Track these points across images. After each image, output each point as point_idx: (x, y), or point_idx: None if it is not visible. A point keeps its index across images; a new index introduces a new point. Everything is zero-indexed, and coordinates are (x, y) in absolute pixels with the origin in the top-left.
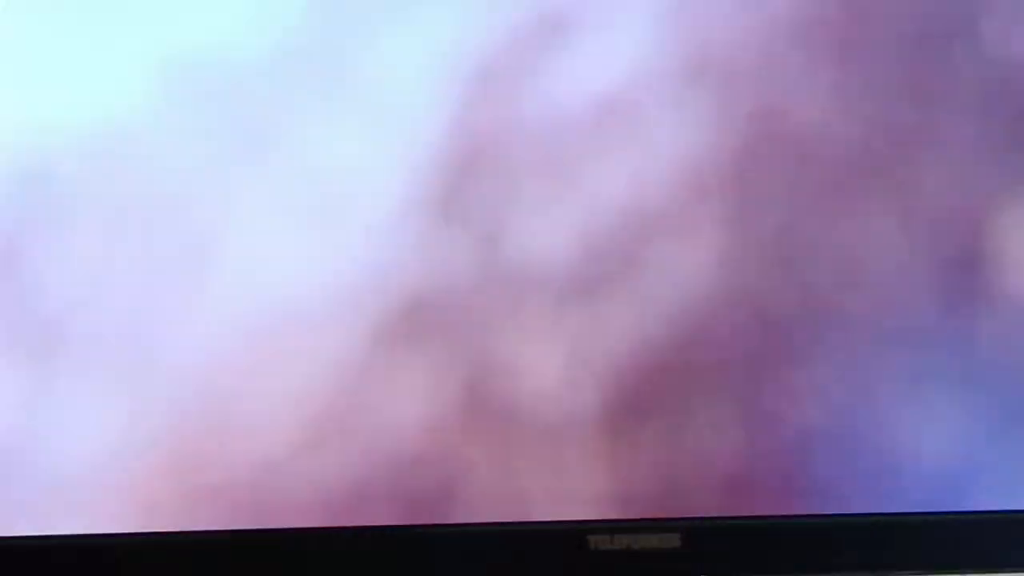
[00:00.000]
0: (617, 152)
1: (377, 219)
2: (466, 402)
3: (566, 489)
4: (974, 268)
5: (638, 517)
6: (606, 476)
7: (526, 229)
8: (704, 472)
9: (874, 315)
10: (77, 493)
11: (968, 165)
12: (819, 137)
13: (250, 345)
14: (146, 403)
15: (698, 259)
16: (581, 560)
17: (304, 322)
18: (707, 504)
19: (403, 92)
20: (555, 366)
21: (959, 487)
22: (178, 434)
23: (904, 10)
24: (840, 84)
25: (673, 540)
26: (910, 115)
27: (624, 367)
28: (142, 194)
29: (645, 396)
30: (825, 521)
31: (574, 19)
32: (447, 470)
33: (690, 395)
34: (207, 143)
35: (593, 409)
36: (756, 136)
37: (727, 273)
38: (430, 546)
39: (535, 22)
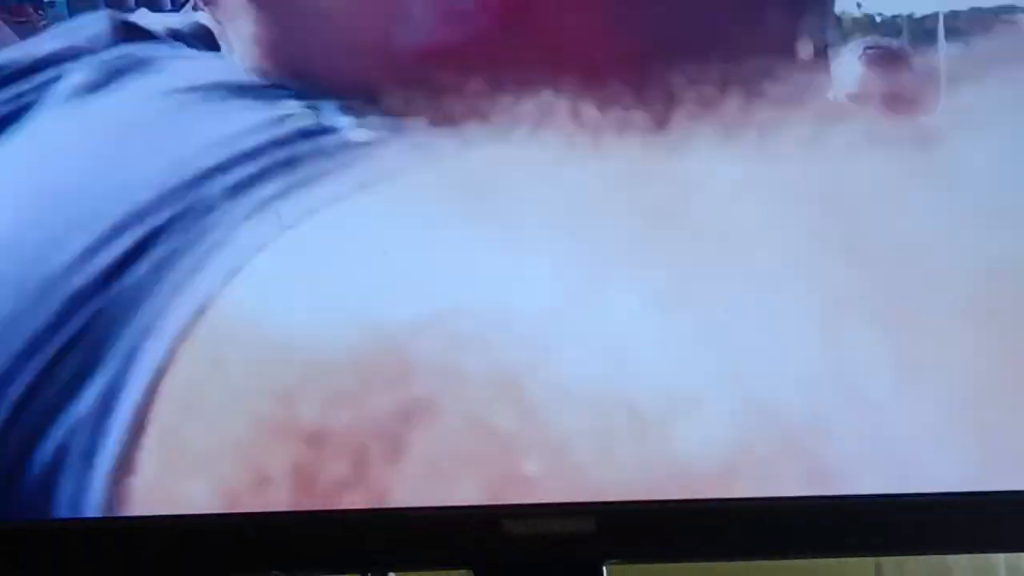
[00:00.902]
0: None
1: None
2: None
3: None
4: None
5: (552, 502)
6: None
7: None
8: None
9: None
10: None
11: None
12: None
13: None
14: None
15: None
16: (495, 543)
17: None
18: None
19: None
20: None
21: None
22: None
23: None
24: None
25: (588, 524)
26: None
27: None
28: None
29: None
30: (738, 505)
31: None
32: None
33: None
34: None
35: None
36: None
37: None
38: (349, 528)
39: None
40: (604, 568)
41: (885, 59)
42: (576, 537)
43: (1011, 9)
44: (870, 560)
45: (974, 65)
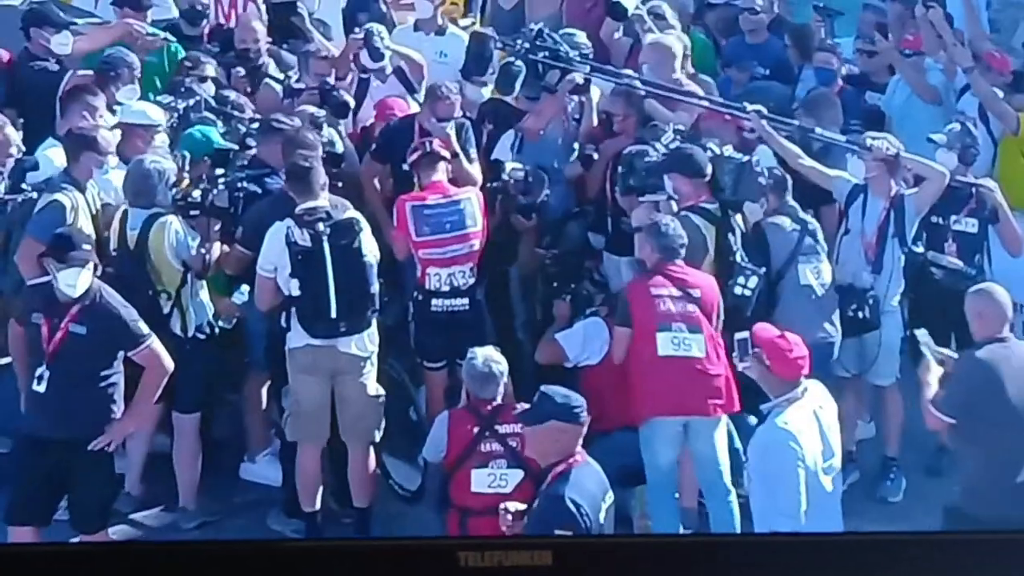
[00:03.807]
0: None
1: None
2: None
3: None
4: None
5: (510, 535)
6: None
7: None
8: None
9: None
10: None
11: None
12: None
13: None
14: None
15: None
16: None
17: None
18: None
19: None
20: None
21: None
22: None
23: None
24: None
25: (545, 558)
26: None
27: None
28: None
29: None
30: (697, 540)
31: None
32: None
33: None
34: None
35: None
36: None
37: None
38: (306, 561)
39: None
40: None
41: None
42: (533, 570)
43: None
44: None
45: None
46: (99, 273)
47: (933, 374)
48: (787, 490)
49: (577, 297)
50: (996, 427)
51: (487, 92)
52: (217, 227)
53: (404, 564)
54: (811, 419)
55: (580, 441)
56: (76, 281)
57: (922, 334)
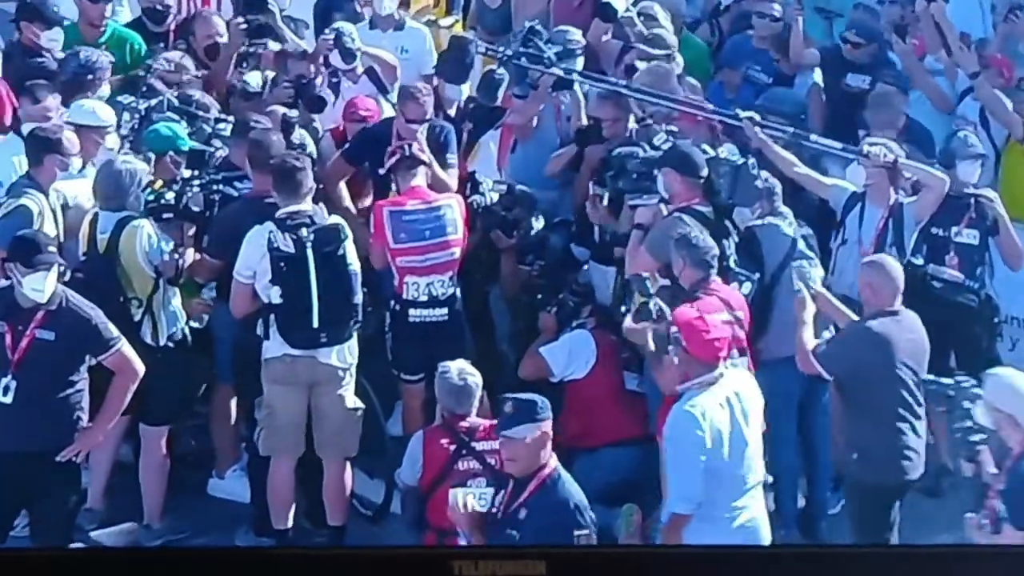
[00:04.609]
0: None
1: None
2: None
3: None
4: None
5: (505, 545)
6: None
7: None
8: None
9: None
10: None
11: None
12: None
13: None
14: None
15: None
16: None
17: None
18: None
19: None
20: None
21: None
22: None
23: None
24: None
25: (539, 567)
26: None
27: None
28: None
29: None
30: (693, 551)
31: None
32: None
33: None
34: None
35: None
36: None
37: None
38: (299, 569)
39: None
40: None
41: None
42: None
43: None
44: None
45: None
46: (67, 279)
47: (808, 311)
48: (684, 474)
49: (563, 308)
50: (883, 396)
51: (466, 90)
52: (191, 231)
53: (397, 573)
54: (723, 406)
55: (550, 446)
56: (43, 286)
57: (796, 266)
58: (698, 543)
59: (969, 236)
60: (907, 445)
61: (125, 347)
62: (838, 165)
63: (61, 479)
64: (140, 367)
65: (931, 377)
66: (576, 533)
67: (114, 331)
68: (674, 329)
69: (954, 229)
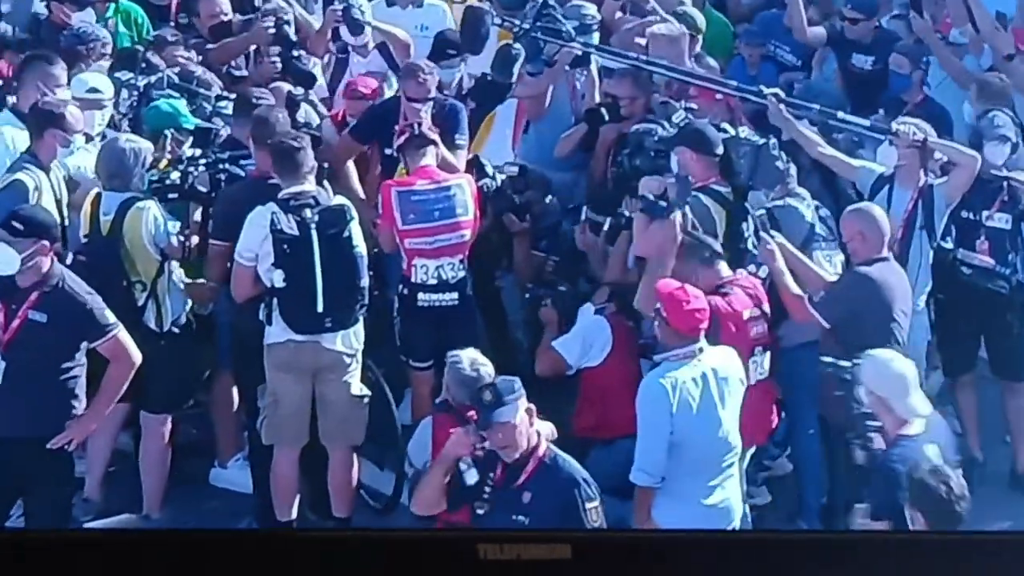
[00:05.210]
0: None
1: None
2: None
3: None
4: None
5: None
6: None
7: None
8: None
9: None
10: None
11: None
12: None
13: None
14: None
15: None
16: (471, 569)
17: None
18: None
19: None
20: None
21: None
22: None
23: None
24: None
25: (564, 551)
26: None
27: None
28: None
29: None
30: (715, 537)
31: None
32: None
33: None
34: None
35: None
36: None
37: None
38: (326, 551)
39: None
40: None
41: None
42: (552, 563)
43: None
44: None
45: None
46: (68, 261)
47: (779, 260)
48: (648, 445)
49: (567, 299)
50: (880, 341)
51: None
52: (198, 212)
53: (423, 555)
54: (698, 381)
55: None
56: (9, 258)
57: (754, 199)
58: (665, 522)
59: (1000, 220)
60: None
61: (121, 334)
62: (868, 148)
63: (53, 467)
64: (137, 355)
65: (829, 360)
66: (588, 506)
67: (110, 317)
68: (657, 303)
69: (985, 213)
